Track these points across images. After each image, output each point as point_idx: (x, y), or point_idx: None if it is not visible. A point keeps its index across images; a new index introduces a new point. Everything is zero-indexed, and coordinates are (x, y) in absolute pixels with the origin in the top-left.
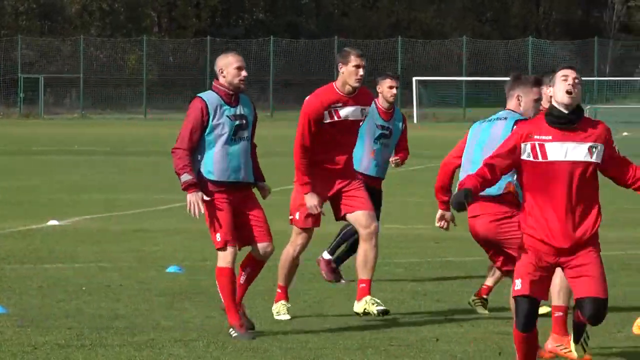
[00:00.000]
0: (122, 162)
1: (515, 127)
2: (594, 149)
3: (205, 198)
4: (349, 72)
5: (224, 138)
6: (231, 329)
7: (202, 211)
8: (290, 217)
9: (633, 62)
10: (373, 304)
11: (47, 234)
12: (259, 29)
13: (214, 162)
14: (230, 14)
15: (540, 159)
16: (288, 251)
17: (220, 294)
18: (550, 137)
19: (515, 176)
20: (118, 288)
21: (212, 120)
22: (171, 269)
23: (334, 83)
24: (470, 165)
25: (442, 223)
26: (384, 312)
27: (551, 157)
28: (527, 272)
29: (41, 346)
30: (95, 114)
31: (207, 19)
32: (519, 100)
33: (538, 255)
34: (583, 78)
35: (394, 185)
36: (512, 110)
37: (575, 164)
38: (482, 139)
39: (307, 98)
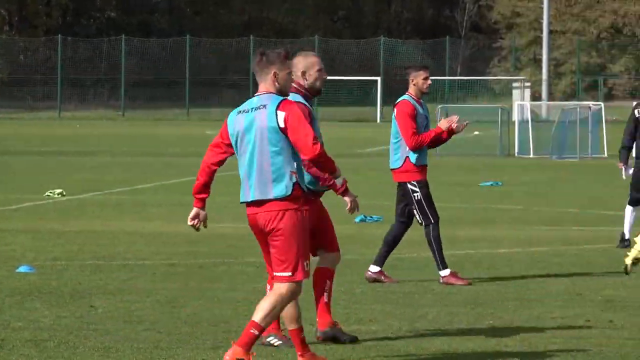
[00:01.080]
0: None
1: (280, 107)
2: None
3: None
4: None
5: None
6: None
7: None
8: None
9: (484, 62)
10: None
11: None
12: (111, 27)
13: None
14: (82, 13)
15: None
16: None
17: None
18: None
19: (295, 174)
20: None
21: (313, 127)
22: (22, 268)
23: None
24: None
25: (196, 222)
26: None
27: None
28: None
29: None
30: None
31: (58, 18)
32: (275, 77)
33: None
34: (434, 78)
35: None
36: (268, 92)
37: None
38: (249, 130)
39: None
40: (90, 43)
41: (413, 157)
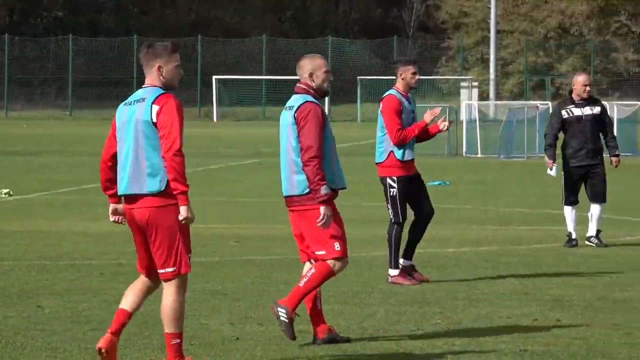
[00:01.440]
0: None
1: (156, 101)
2: None
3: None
4: None
5: (333, 145)
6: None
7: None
8: None
9: (432, 61)
10: None
11: None
12: (58, 27)
13: (333, 171)
14: (29, 12)
15: None
16: None
17: (305, 280)
18: None
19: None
20: None
21: (326, 127)
22: None
23: None
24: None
25: (117, 217)
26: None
27: None
28: None
29: None
30: None
31: (5, 17)
32: (160, 70)
33: None
34: (382, 77)
35: (192, 183)
36: (152, 85)
37: None
38: (129, 123)
39: None
40: (38, 42)
41: (398, 151)
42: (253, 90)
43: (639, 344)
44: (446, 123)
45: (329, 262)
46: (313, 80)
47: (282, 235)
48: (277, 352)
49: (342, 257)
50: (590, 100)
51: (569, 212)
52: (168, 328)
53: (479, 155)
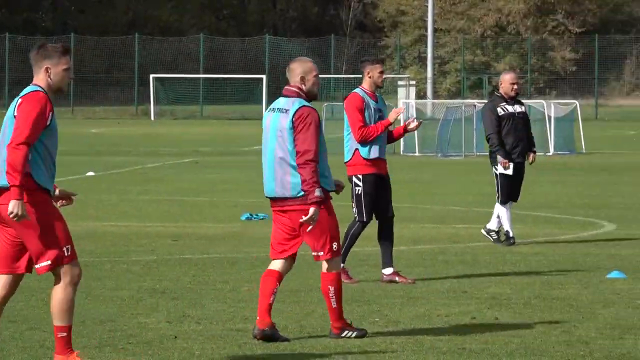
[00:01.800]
0: None
1: (22, 97)
2: None
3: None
4: None
5: (325, 147)
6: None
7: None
8: None
9: None
10: None
11: None
12: None
13: (326, 174)
14: None
15: None
16: None
17: (333, 299)
18: None
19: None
20: None
21: (321, 129)
22: None
23: None
24: None
25: (59, 202)
26: None
27: None
28: None
29: None
30: None
31: None
32: (48, 72)
33: None
34: (320, 76)
35: (129, 182)
36: (34, 84)
37: None
38: (4, 121)
39: None
40: None
41: (363, 149)
42: (190, 88)
43: (576, 342)
44: (416, 123)
45: (331, 268)
46: (304, 84)
47: (220, 234)
48: (215, 351)
49: (339, 256)
50: (515, 99)
51: (503, 211)
52: (55, 320)
53: (417, 154)
